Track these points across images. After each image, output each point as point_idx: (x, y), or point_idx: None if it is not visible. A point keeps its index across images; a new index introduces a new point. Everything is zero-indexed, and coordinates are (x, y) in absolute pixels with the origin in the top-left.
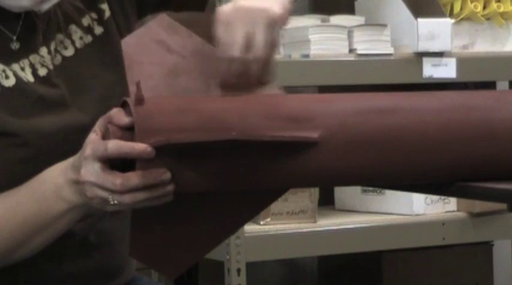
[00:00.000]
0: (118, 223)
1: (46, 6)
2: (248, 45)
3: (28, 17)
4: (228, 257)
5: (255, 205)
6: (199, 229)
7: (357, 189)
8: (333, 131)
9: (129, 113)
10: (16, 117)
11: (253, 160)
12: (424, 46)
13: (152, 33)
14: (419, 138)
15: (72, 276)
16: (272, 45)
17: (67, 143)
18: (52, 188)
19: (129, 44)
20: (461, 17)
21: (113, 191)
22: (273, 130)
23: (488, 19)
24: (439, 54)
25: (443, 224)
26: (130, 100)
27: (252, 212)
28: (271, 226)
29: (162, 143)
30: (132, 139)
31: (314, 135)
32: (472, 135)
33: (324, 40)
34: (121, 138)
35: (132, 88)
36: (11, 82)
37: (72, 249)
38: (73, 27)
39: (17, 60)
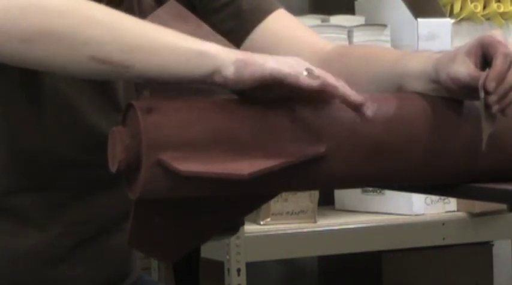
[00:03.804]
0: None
1: None
2: None
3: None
4: (228, 257)
5: (253, 199)
6: (197, 221)
7: (356, 189)
8: (340, 141)
9: (134, 118)
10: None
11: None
12: (424, 46)
13: (160, 22)
14: (424, 146)
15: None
16: None
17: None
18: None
19: None
20: (461, 17)
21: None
22: (281, 142)
23: (488, 19)
24: None
25: (443, 224)
26: (138, 106)
27: (250, 207)
28: (271, 226)
29: (167, 165)
30: (138, 149)
31: (321, 149)
32: (476, 143)
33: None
34: (127, 146)
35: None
36: None
37: (77, 259)
38: None
39: None
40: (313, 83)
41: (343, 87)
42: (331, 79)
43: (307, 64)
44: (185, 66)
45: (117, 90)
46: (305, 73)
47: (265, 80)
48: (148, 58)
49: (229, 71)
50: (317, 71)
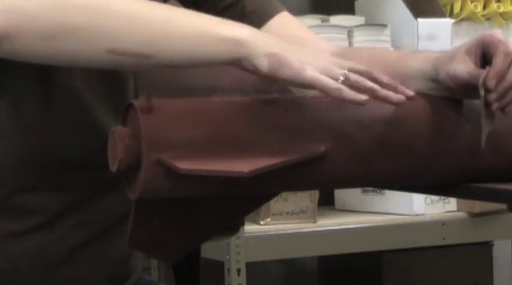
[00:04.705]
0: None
1: None
2: None
3: None
4: (228, 257)
5: (253, 199)
6: (197, 221)
7: (357, 189)
8: (340, 141)
9: (134, 118)
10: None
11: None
12: (424, 46)
13: None
14: (424, 146)
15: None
16: None
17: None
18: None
19: None
20: (461, 17)
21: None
22: (281, 142)
23: (488, 19)
24: None
25: (443, 224)
26: (138, 106)
27: (250, 207)
28: (271, 226)
29: (167, 164)
30: (138, 148)
31: (321, 148)
32: (476, 143)
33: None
34: (127, 146)
35: (139, 83)
36: None
37: (83, 258)
38: None
39: None
40: (359, 98)
41: (382, 90)
42: (368, 84)
43: (339, 63)
44: (211, 52)
45: (128, 90)
46: (341, 78)
47: (303, 86)
48: (171, 47)
49: (262, 64)
50: (352, 76)
